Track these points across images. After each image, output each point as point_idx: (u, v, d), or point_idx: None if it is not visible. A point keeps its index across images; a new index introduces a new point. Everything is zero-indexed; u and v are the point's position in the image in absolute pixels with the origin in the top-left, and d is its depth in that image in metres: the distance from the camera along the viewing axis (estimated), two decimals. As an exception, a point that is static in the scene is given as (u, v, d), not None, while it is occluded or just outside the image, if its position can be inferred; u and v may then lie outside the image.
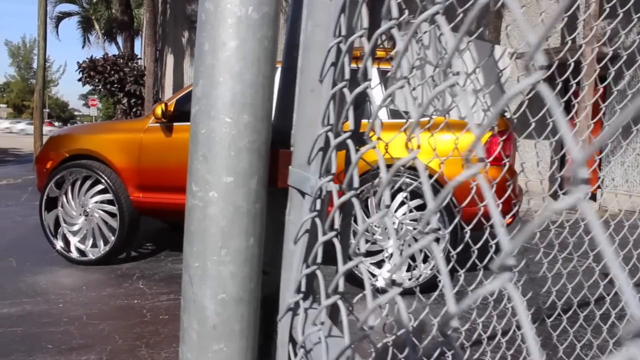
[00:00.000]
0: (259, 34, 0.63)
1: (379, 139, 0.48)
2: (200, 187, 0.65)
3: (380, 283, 3.86)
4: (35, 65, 15.67)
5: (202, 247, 0.65)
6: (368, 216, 3.86)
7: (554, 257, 1.78)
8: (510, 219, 4.23)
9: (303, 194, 0.63)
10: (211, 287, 0.65)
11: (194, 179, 0.66)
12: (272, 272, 0.74)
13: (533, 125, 1.29)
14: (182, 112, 4.28)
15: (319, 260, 0.52)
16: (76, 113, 70.38)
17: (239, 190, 0.64)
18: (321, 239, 0.49)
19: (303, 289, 0.60)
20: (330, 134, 0.56)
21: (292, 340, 0.62)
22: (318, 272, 0.53)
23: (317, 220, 0.57)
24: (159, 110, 4.14)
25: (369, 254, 3.85)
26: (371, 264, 3.93)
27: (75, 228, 4.38)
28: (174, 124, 4.23)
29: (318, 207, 0.57)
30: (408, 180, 3.63)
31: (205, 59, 0.64)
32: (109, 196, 4.26)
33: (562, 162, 9.59)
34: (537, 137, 1.57)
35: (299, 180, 0.64)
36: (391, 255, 3.94)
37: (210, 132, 0.64)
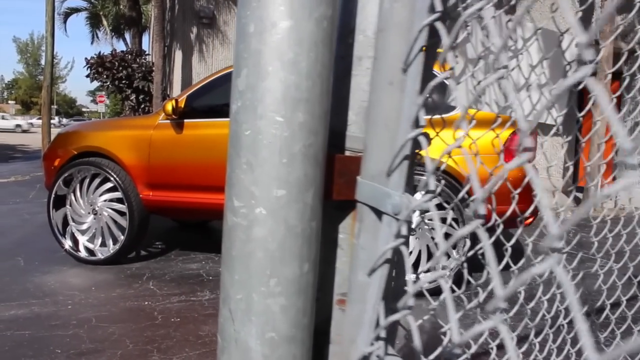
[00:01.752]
0: (317, 13, 0.51)
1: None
2: (244, 202, 0.52)
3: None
4: (43, 61, 15.68)
5: (246, 275, 0.53)
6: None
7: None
8: (532, 218, 4.10)
9: (379, 213, 0.51)
10: (257, 324, 0.53)
11: (235, 191, 0.53)
12: (321, 297, 0.62)
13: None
14: (192, 108, 4.17)
15: (410, 303, 0.40)
16: (84, 109, 70.71)
17: (291, 205, 0.52)
18: (418, 282, 0.37)
19: (383, 335, 0.48)
20: (423, 139, 0.44)
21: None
22: (410, 319, 0.41)
23: (404, 249, 0.45)
24: (169, 106, 4.03)
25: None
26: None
27: (84, 227, 4.29)
28: (185, 120, 4.12)
29: (404, 232, 0.45)
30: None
31: (250, 44, 0.52)
32: (118, 194, 4.17)
33: (576, 167, 9.38)
34: (543, 135, 1.44)
35: (374, 196, 0.52)
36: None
37: (257, 134, 0.52)
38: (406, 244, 0.46)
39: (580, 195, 8.72)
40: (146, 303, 3.41)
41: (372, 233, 0.53)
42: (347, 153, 0.62)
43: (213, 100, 4.41)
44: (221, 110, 4.50)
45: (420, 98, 0.45)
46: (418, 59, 0.46)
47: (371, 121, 0.54)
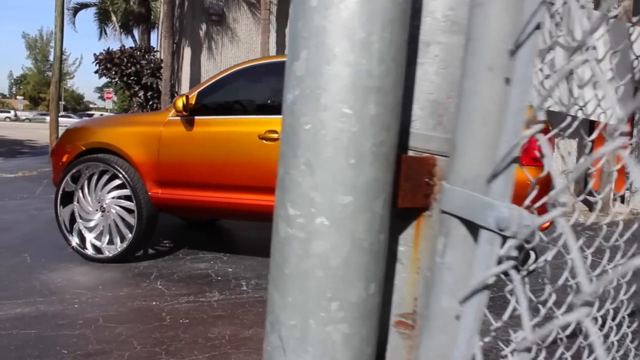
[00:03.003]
0: (391, -15, 0.43)
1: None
2: (302, 211, 0.44)
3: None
4: (51, 57, 15.66)
5: (302, 298, 0.44)
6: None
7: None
8: (549, 223, 4.00)
9: (473, 226, 0.42)
10: (314, 356, 0.44)
11: (290, 197, 0.45)
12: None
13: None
14: (203, 105, 4.10)
15: (527, 343, 0.31)
16: (91, 106, 71.07)
17: (359, 215, 0.43)
18: (552, 323, 0.28)
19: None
20: (540, 137, 0.35)
21: None
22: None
23: (516, 275, 0.36)
24: (180, 103, 3.95)
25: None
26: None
27: (91, 224, 4.23)
28: (196, 117, 4.04)
29: (514, 252, 0.37)
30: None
31: (312, 20, 0.43)
32: (126, 192, 4.10)
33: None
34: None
35: (468, 206, 0.43)
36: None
37: (319, 129, 0.43)
38: (517, 268, 0.37)
39: (592, 198, 8.58)
40: (154, 303, 3.34)
41: (461, 251, 0.44)
42: (410, 153, 0.54)
43: (225, 97, 4.34)
44: (233, 108, 4.42)
45: (534, 87, 0.36)
46: (532, 39, 0.38)
47: (463, 115, 0.45)
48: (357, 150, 0.43)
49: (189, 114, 4.03)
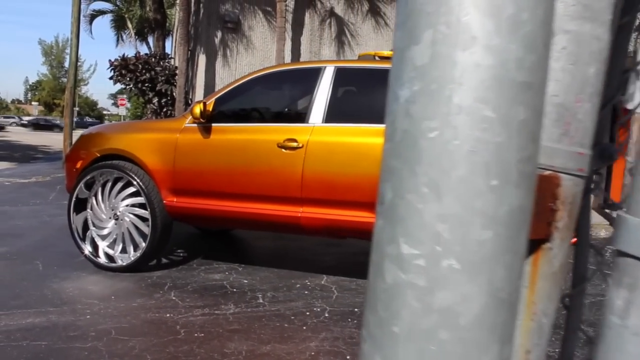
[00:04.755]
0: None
1: None
2: (423, 250, 0.32)
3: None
4: (67, 64, 15.77)
5: (419, 366, 0.33)
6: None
7: None
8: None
9: None
10: None
11: (405, 230, 0.33)
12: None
13: None
14: (221, 112, 4.00)
15: None
16: (105, 112, 71.84)
17: (500, 256, 0.32)
18: None
19: None
20: None
21: None
22: None
23: None
24: (197, 109, 3.86)
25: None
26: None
27: (105, 232, 4.14)
28: (213, 124, 3.95)
29: None
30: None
31: (439, -8, 0.32)
32: (140, 199, 4.01)
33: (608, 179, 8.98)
34: None
35: None
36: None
37: (451, 138, 0.31)
38: None
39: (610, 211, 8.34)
40: (168, 315, 3.23)
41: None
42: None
43: (243, 104, 4.25)
44: (251, 115, 4.33)
45: None
46: None
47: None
48: (501, 168, 0.32)
49: (206, 121, 3.93)
